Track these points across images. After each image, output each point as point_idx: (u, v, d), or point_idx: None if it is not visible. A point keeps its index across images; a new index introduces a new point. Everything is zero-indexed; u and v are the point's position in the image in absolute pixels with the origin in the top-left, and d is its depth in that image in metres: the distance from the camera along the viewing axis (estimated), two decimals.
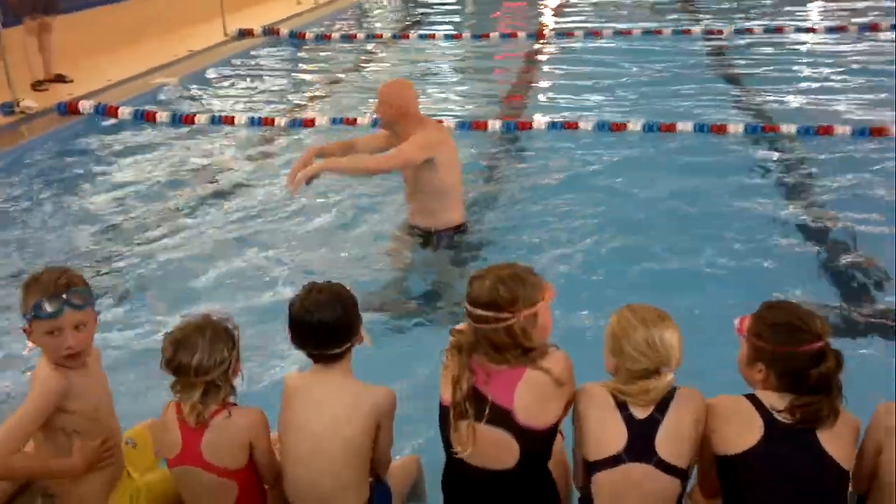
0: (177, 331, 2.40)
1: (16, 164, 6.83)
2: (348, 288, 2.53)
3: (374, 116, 7.57)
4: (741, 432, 2.28)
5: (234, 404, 2.46)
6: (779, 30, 11.34)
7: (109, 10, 10.76)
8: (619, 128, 7.20)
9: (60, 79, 8.81)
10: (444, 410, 2.43)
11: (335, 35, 12.03)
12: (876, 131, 6.75)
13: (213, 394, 2.38)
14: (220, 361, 2.36)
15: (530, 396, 2.34)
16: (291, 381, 2.56)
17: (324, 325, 2.41)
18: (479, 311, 2.36)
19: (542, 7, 14.87)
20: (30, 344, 2.42)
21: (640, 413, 2.30)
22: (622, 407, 2.32)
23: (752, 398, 2.32)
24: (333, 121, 7.74)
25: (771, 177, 6.25)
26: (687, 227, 5.28)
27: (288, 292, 4.45)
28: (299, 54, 11.28)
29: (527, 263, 2.51)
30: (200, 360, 2.34)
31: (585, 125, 7.29)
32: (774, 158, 6.59)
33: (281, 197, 5.86)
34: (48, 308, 2.34)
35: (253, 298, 4.56)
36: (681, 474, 2.31)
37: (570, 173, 6.36)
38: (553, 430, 2.42)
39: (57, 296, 2.35)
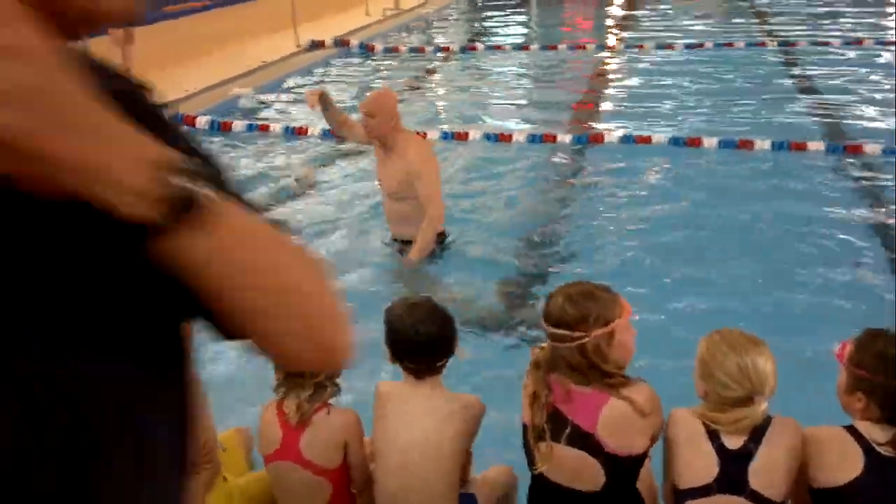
0: None
1: None
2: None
3: (443, 129, 7.69)
4: (841, 465, 2.21)
5: (329, 404, 2.51)
6: (857, 42, 11.03)
7: (183, 23, 11.05)
8: (694, 143, 7.07)
9: None
10: (525, 428, 2.43)
11: (403, 48, 12.13)
12: None
13: (319, 393, 2.46)
14: None
15: (615, 425, 2.31)
16: (383, 389, 2.59)
17: (428, 339, 2.44)
18: (552, 330, 2.35)
19: (611, 19, 14.77)
20: None
21: (733, 443, 2.25)
22: (713, 436, 2.27)
23: (852, 429, 2.24)
24: None
25: (854, 197, 6.06)
26: (765, 249, 5.14)
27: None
28: (369, 66, 11.42)
29: (600, 281, 2.49)
30: None
31: (659, 139, 7.19)
32: (858, 178, 6.39)
33: (350, 206, 5.92)
34: None
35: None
36: None
37: (643, 189, 6.28)
38: (641, 458, 2.39)
39: None
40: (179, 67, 10.13)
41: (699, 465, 2.27)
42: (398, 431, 2.49)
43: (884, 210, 5.76)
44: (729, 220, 5.59)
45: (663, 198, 6.06)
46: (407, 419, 2.49)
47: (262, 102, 9.33)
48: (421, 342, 2.44)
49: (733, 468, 2.23)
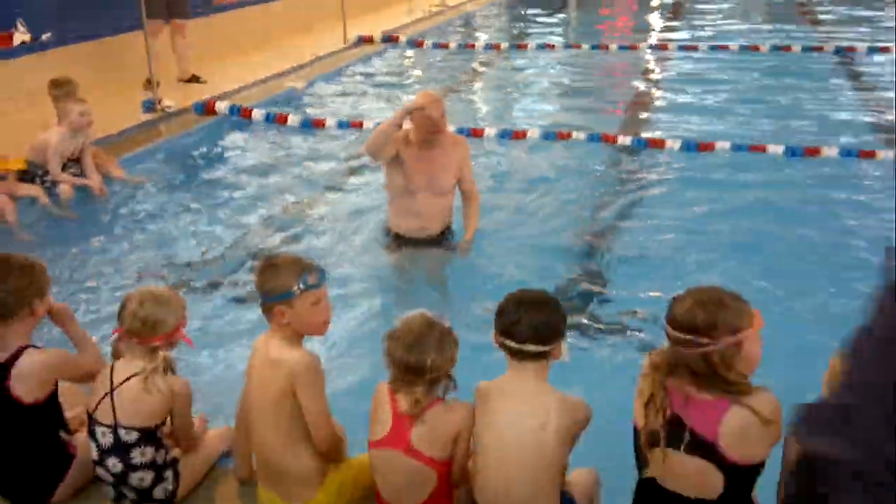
0: (404, 332, 2.47)
1: (156, 159, 7.07)
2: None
3: (502, 128, 7.62)
4: None
5: (444, 399, 2.52)
6: None
7: (234, 16, 11.09)
8: (758, 149, 6.93)
9: (195, 79, 9.12)
10: (637, 433, 2.40)
11: (452, 44, 12.07)
12: None
13: (435, 388, 2.48)
14: (449, 360, 2.47)
15: (737, 433, 2.25)
16: (485, 387, 2.57)
17: (536, 319, 2.42)
18: (678, 334, 2.29)
19: (663, 19, 14.63)
20: (285, 319, 2.57)
21: None
22: None
23: None
24: (459, 131, 7.71)
25: None
26: (832, 261, 5.00)
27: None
28: (418, 61, 11.37)
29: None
30: (434, 360, 2.42)
31: (723, 145, 7.05)
32: None
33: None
34: (314, 280, 2.58)
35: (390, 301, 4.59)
36: None
37: (701, 194, 6.13)
38: (760, 466, 2.33)
39: (316, 268, 2.62)
40: (232, 60, 10.19)
41: None
42: (505, 423, 2.46)
43: None
44: (792, 229, 5.44)
45: (722, 203, 5.92)
46: (513, 415, 2.46)
47: (315, 95, 9.30)
48: (529, 322, 2.42)
49: None
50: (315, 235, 5.59)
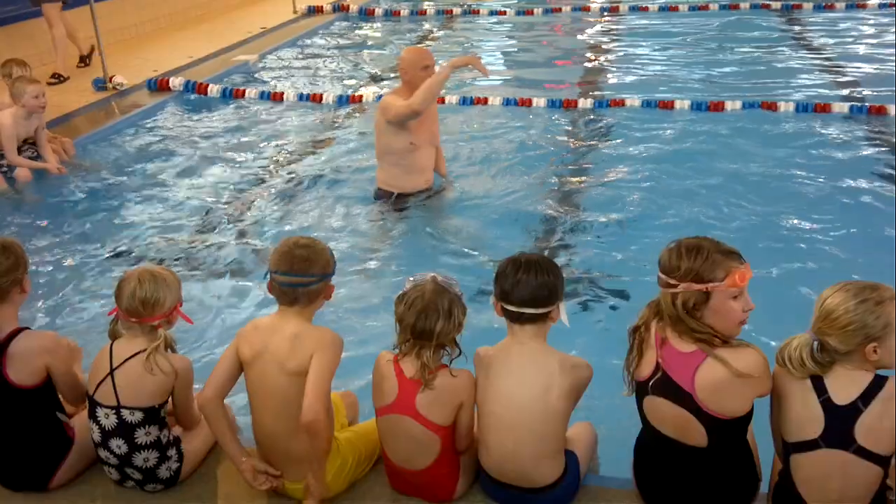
0: (415, 297, 2.47)
1: (108, 140, 6.87)
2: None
3: (462, 95, 7.60)
4: None
5: (448, 365, 2.54)
6: (861, 6, 11.01)
7: None
8: (717, 107, 7.04)
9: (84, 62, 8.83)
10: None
11: (404, 12, 11.93)
12: None
13: (441, 354, 2.50)
14: (457, 325, 2.49)
15: (710, 387, 2.32)
16: (486, 353, 2.60)
17: (535, 281, 2.44)
18: (659, 273, 2.39)
19: None
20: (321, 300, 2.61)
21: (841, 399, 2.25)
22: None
23: None
24: None
25: (878, 157, 6.04)
26: (788, 210, 5.14)
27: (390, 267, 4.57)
28: (370, 30, 11.23)
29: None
30: (443, 326, 2.45)
31: (682, 104, 7.14)
32: (879, 139, 6.39)
33: (366, 171, 5.92)
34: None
35: (357, 274, 4.57)
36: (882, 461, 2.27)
37: (661, 153, 6.22)
38: (744, 418, 2.39)
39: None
40: (179, 34, 9.94)
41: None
42: (508, 390, 2.50)
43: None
44: (751, 180, 5.57)
45: (684, 160, 6.02)
46: (516, 378, 2.50)
47: (268, 68, 9.14)
48: (529, 283, 2.44)
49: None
50: (295, 208, 5.51)
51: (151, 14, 9.57)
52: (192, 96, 7.88)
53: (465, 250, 4.78)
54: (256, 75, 8.86)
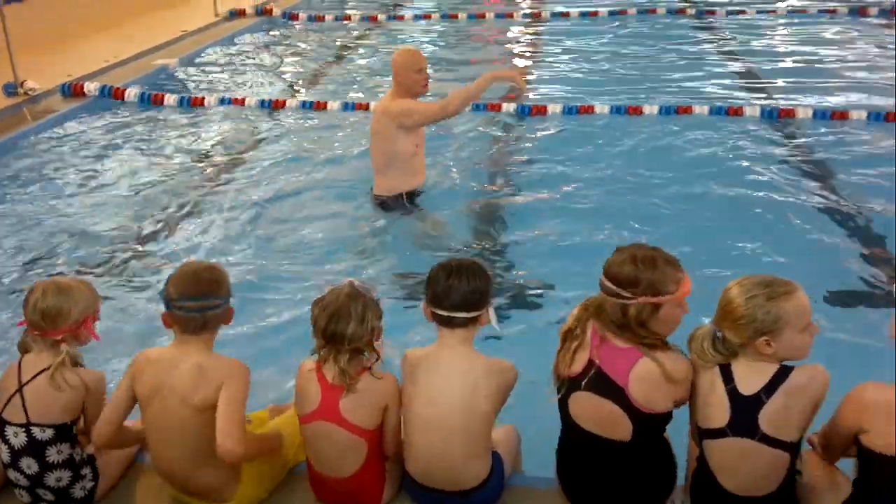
0: (328, 301, 2.47)
1: (20, 147, 6.64)
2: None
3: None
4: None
5: (371, 368, 2.54)
6: (771, 12, 11.43)
7: None
8: (635, 111, 7.21)
9: None
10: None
11: (329, 17, 11.85)
12: (892, 116, 6.85)
13: (357, 358, 2.49)
14: (370, 330, 2.47)
15: (644, 383, 2.40)
16: (413, 355, 2.61)
17: (466, 287, 2.48)
18: (606, 282, 2.42)
19: None
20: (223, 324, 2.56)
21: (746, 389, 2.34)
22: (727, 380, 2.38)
23: None
24: (344, 105, 7.64)
25: (786, 160, 6.28)
26: (699, 211, 5.30)
27: (316, 271, 4.54)
28: (294, 35, 11.11)
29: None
30: (354, 330, 2.44)
31: (602, 109, 7.29)
32: (789, 141, 6.65)
33: (296, 177, 5.91)
34: None
35: (276, 277, 4.55)
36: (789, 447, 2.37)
37: (582, 158, 6.32)
38: (667, 415, 2.49)
39: None
40: (95, 37, 9.65)
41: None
42: (434, 393, 2.52)
43: (812, 173, 6.00)
44: (664, 184, 5.71)
45: (604, 164, 6.14)
46: (441, 381, 2.52)
47: (189, 72, 8.96)
48: (459, 288, 2.48)
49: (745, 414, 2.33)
50: (217, 215, 5.42)
51: (65, 16, 9.27)
52: (109, 102, 7.65)
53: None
54: (176, 80, 8.67)
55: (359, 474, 2.60)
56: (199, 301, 2.48)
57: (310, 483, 2.73)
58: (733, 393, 2.35)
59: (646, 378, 2.39)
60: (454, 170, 6.08)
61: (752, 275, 2.39)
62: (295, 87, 8.57)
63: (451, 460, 2.55)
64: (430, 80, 4.94)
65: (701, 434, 2.46)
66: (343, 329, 2.44)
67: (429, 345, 2.61)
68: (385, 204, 5.18)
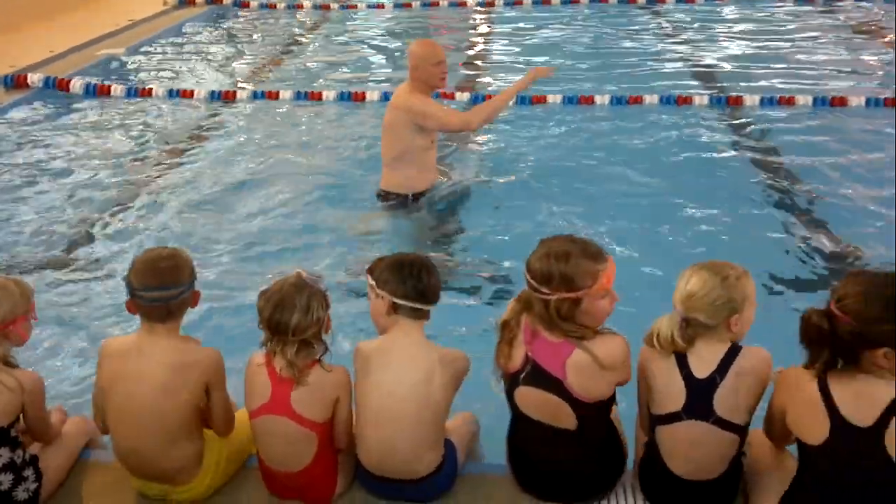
0: (273, 291, 2.47)
1: None
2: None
3: (340, 91, 7.55)
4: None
5: (321, 361, 2.54)
6: (720, 1, 11.56)
7: None
8: (588, 100, 7.27)
9: None
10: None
11: (281, 4, 11.71)
12: (837, 101, 7.01)
13: (305, 350, 2.48)
14: (315, 321, 2.46)
15: (580, 374, 2.44)
16: (365, 347, 2.62)
17: (426, 280, 2.54)
18: (526, 277, 2.46)
19: None
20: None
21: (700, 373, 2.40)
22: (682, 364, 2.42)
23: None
24: (297, 95, 7.57)
25: (736, 146, 6.40)
26: (650, 199, 5.37)
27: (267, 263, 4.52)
28: (245, 24, 10.96)
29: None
30: (299, 321, 2.42)
31: (553, 98, 7.33)
32: (738, 128, 6.77)
33: (247, 167, 5.86)
34: None
35: (222, 267, 4.52)
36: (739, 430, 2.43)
37: (535, 147, 6.36)
38: (609, 400, 2.53)
39: None
40: (39, 26, 9.40)
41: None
42: (386, 384, 2.53)
43: (760, 158, 6.11)
44: (616, 172, 5.78)
45: (559, 154, 6.19)
46: (394, 372, 2.53)
47: (137, 62, 8.78)
48: (424, 282, 2.53)
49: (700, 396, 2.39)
50: (169, 208, 5.35)
51: (8, 4, 9.01)
52: (53, 93, 7.47)
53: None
54: (123, 70, 8.49)
55: (310, 468, 2.60)
56: (161, 291, 2.47)
57: (261, 476, 2.71)
58: (689, 377, 2.40)
59: (581, 369, 2.42)
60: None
61: (705, 261, 2.44)
62: (246, 77, 8.46)
63: (404, 450, 2.56)
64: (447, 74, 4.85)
65: (654, 420, 2.50)
66: (287, 319, 2.43)
67: (380, 336, 2.61)
68: (387, 199, 5.05)
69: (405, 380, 2.52)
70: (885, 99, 7.03)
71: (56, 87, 7.49)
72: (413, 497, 2.66)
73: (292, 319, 2.42)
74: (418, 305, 2.54)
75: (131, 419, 2.53)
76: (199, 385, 2.54)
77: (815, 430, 2.21)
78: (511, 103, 5.75)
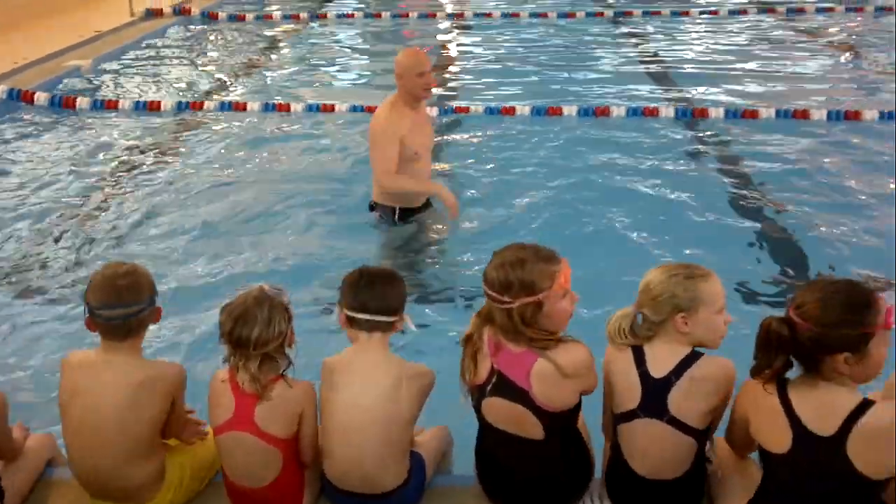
0: (235, 305, 2.44)
1: None
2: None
3: (309, 102, 7.53)
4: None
5: (286, 376, 2.51)
6: (685, 13, 11.76)
7: None
8: (555, 112, 7.33)
9: None
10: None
11: (249, 16, 11.68)
12: (799, 114, 7.15)
13: (268, 365, 2.45)
14: (277, 334, 2.43)
15: (543, 384, 2.45)
16: (330, 362, 2.60)
17: (385, 291, 2.51)
18: (486, 289, 2.47)
19: None
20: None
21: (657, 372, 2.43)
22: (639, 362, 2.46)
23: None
24: (266, 106, 7.55)
25: (701, 157, 6.50)
26: (616, 210, 5.40)
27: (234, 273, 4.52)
28: (213, 35, 10.92)
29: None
30: (260, 334, 2.39)
31: (522, 110, 7.38)
32: (702, 140, 6.88)
33: (209, 181, 5.86)
34: None
35: (186, 282, 4.50)
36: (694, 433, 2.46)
37: (505, 157, 6.39)
38: (575, 408, 2.54)
39: None
40: (4, 37, 9.29)
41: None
42: (351, 398, 2.52)
43: (724, 169, 6.22)
44: (584, 183, 5.83)
45: (525, 165, 6.22)
46: (358, 386, 2.52)
47: (104, 74, 8.70)
48: (375, 292, 2.50)
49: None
50: (135, 223, 5.29)
51: None
52: (18, 105, 7.38)
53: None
54: (89, 82, 8.41)
55: (276, 484, 2.57)
56: (119, 309, 2.44)
57: (227, 492, 2.69)
58: (645, 375, 2.43)
59: (544, 378, 2.43)
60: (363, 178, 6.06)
61: (671, 262, 2.50)
62: (214, 89, 8.42)
63: (370, 465, 2.55)
64: (431, 83, 4.77)
65: (615, 419, 2.54)
66: (248, 333, 2.40)
67: (345, 349, 2.61)
68: (374, 209, 5.06)
69: (368, 394, 2.51)
70: (846, 111, 7.18)
71: (20, 99, 7.40)
72: None
73: (253, 333, 2.39)
74: (367, 317, 2.52)
75: (90, 435, 2.49)
76: (166, 399, 2.51)
77: (778, 439, 2.24)
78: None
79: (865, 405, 2.16)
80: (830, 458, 2.16)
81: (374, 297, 2.50)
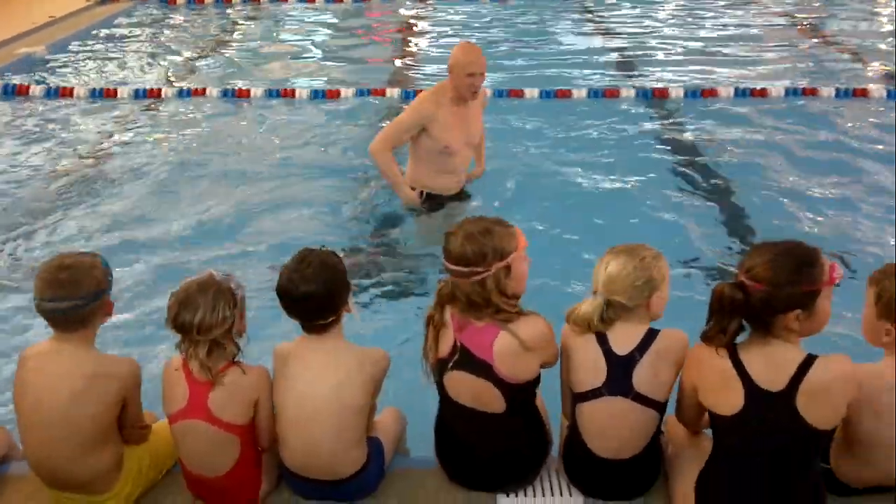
0: (181, 290, 2.43)
1: None
2: (339, 254, 2.58)
3: (268, 88, 7.44)
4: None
5: (239, 362, 2.51)
6: None
7: None
8: (517, 94, 7.33)
9: None
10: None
11: (209, 0, 11.49)
12: (757, 92, 7.23)
13: (217, 351, 2.45)
14: (221, 320, 2.41)
15: (506, 356, 2.49)
16: (282, 349, 2.60)
17: (309, 299, 2.46)
18: (454, 267, 2.47)
19: None
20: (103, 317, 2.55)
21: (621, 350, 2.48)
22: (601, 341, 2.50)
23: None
24: (224, 93, 7.46)
25: (660, 138, 6.54)
26: (576, 190, 5.50)
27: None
28: (172, 20, 10.71)
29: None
30: (203, 319, 2.38)
31: (485, 92, 7.31)
32: (663, 119, 6.93)
33: (167, 168, 5.81)
34: None
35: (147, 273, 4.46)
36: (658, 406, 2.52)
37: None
38: (534, 381, 2.59)
39: None
40: None
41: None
42: (304, 387, 2.52)
43: (685, 147, 6.28)
44: (552, 163, 5.89)
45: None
46: (314, 372, 2.52)
47: (57, 62, 8.52)
48: (302, 301, 2.46)
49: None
50: (91, 213, 5.22)
51: None
52: None
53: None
54: (43, 69, 8.23)
55: (233, 472, 2.57)
56: (58, 303, 2.40)
57: (185, 481, 2.68)
58: (609, 353, 2.47)
59: (507, 352, 2.48)
60: (335, 151, 6.06)
61: (618, 245, 2.52)
62: (172, 75, 8.28)
63: (327, 452, 2.55)
64: (479, 86, 4.55)
65: (575, 398, 2.56)
66: (191, 318, 2.39)
67: (297, 337, 2.60)
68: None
69: (320, 381, 2.51)
70: (804, 89, 7.27)
71: None
72: (340, 496, 2.65)
73: (195, 318, 2.38)
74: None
75: (41, 427, 2.47)
76: (117, 397, 2.49)
77: (729, 399, 2.29)
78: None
79: (811, 359, 2.24)
80: (781, 413, 2.24)
81: (296, 303, 2.48)
